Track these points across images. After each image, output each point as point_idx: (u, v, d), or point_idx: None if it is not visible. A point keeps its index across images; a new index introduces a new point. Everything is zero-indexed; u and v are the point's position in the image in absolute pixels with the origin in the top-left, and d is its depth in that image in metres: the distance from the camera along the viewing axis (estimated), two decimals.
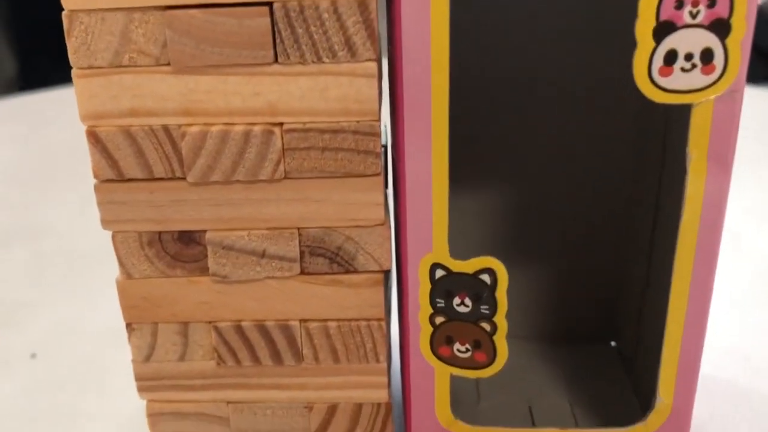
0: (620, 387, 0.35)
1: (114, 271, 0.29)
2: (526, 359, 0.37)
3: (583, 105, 0.34)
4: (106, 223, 0.28)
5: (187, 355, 0.30)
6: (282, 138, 0.26)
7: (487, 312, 0.28)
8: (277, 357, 0.30)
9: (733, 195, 0.29)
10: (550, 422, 0.32)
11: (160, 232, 0.28)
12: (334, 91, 0.26)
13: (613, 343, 0.39)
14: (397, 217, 0.28)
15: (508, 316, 0.28)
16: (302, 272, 0.28)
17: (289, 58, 0.25)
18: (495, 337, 0.28)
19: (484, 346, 0.28)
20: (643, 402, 0.33)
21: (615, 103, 0.34)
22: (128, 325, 0.29)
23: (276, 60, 0.25)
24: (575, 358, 0.38)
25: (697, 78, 0.25)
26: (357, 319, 0.29)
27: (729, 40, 0.24)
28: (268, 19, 0.25)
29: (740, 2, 0.23)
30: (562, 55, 0.33)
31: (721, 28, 0.24)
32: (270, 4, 0.25)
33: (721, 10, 0.24)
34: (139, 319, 0.29)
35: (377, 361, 0.30)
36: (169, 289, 0.29)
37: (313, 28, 0.25)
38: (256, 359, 0.30)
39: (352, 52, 0.25)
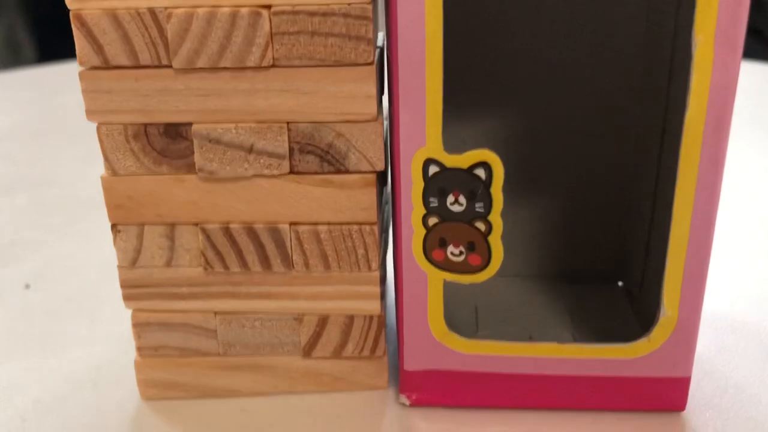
0: (625, 320, 0.34)
1: None
2: (528, 296, 0.36)
3: (588, 28, 0.33)
4: (91, 113, 0.27)
5: (174, 259, 0.29)
6: (270, 21, 0.25)
7: (481, 210, 0.26)
8: (266, 262, 0.29)
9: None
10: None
11: (146, 125, 0.27)
12: None
13: (620, 283, 0.37)
14: (390, 113, 0.27)
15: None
16: (291, 171, 0.27)
17: None
18: (490, 238, 0.27)
19: (479, 247, 0.27)
20: (647, 328, 0.31)
21: (622, 23, 0.32)
22: (113, 227, 0.29)
23: None
24: (580, 295, 0.37)
25: None
26: (349, 223, 0.28)
27: None
28: None
29: None
30: None
31: None
32: None
33: None
34: (124, 219, 0.28)
35: (369, 268, 0.29)
36: (155, 186, 0.28)
37: None
38: (244, 264, 0.29)
39: None
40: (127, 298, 0.30)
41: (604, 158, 0.35)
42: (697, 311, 0.28)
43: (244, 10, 0.25)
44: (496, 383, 0.29)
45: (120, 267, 0.29)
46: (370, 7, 0.25)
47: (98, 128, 0.27)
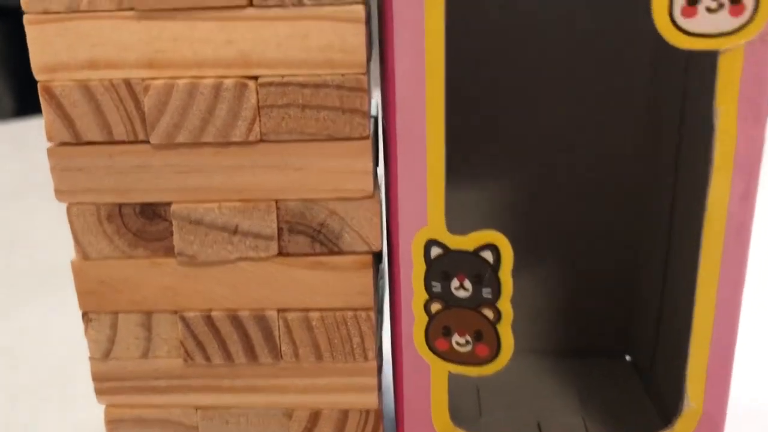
0: (638, 401, 0.31)
1: None
2: (532, 373, 0.34)
3: (591, 90, 0.31)
4: (60, 193, 0.25)
5: (151, 351, 0.26)
6: (257, 93, 0.23)
7: (489, 296, 0.24)
8: (251, 353, 0.26)
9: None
10: None
11: (120, 205, 0.25)
12: (316, 38, 0.23)
13: (627, 357, 0.35)
14: (387, 189, 0.25)
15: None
16: (280, 253, 0.25)
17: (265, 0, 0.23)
18: (499, 326, 0.24)
19: (487, 336, 0.25)
20: (665, 414, 0.29)
21: (624, 86, 0.31)
22: (84, 315, 0.26)
23: (251, 3, 0.23)
24: (586, 372, 0.34)
25: (725, 20, 0.22)
26: (343, 309, 0.26)
27: None
28: None
29: None
30: (565, 36, 0.30)
31: None
32: None
33: None
34: (96, 307, 0.26)
35: (365, 358, 0.26)
36: (130, 271, 0.25)
37: None
38: (228, 356, 0.26)
39: None
40: (100, 392, 0.27)
41: (609, 226, 0.33)
42: (723, 402, 0.25)
43: (228, 82, 0.23)
44: None
45: (92, 359, 0.27)
46: (365, 78, 0.23)
47: (68, 209, 0.25)
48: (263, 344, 0.26)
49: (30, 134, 0.83)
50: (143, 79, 0.23)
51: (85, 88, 0.23)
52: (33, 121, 0.87)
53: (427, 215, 0.24)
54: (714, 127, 0.23)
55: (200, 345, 0.26)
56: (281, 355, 0.26)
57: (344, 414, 0.27)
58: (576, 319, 0.34)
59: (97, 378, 0.27)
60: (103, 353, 0.26)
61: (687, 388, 0.25)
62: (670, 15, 0.22)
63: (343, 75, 0.23)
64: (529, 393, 0.32)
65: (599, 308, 0.34)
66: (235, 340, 0.26)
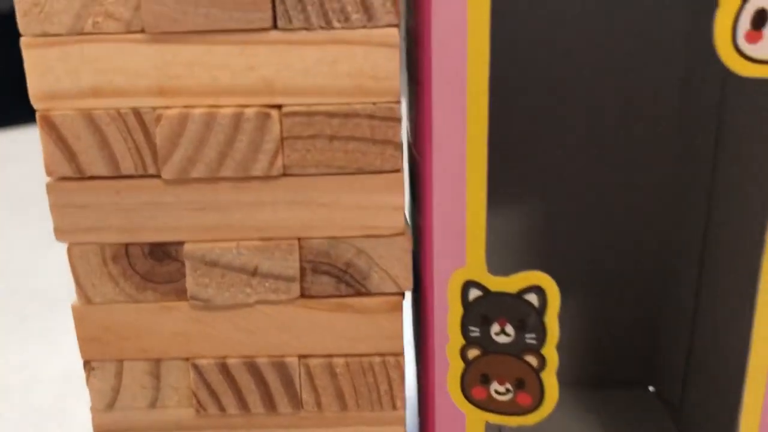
0: None
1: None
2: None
3: (621, 120, 0.30)
4: (60, 232, 0.22)
5: (159, 400, 0.24)
6: (281, 123, 0.21)
7: (533, 342, 0.22)
8: (270, 402, 0.24)
9: None
10: None
11: (127, 245, 0.23)
12: (346, 64, 0.21)
13: (651, 388, 0.33)
14: (417, 225, 0.23)
15: None
16: (302, 295, 0.23)
17: (291, 21, 0.20)
18: (543, 374, 0.23)
19: (529, 385, 0.23)
20: None
21: (654, 118, 0.29)
22: (86, 364, 0.24)
23: (275, 25, 0.21)
24: (609, 404, 0.33)
25: None
26: (369, 354, 0.24)
27: None
28: None
29: None
30: (595, 63, 0.29)
31: None
32: None
33: None
34: (100, 355, 0.24)
35: (394, 407, 0.24)
36: (137, 317, 0.23)
37: None
38: (244, 406, 0.24)
39: (368, 15, 0.20)
40: None
41: (634, 255, 0.31)
42: None
43: (249, 111, 0.21)
44: None
45: (94, 410, 0.24)
46: (398, 106, 0.21)
47: (70, 249, 0.22)
48: (283, 393, 0.24)
49: (6, 147, 0.79)
50: (154, 108, 0.21)
51: (89, 117, 0.21)
52: (10, 132, 0.84)
53: (465, 254, 0.22)
54: None
55: (214, 394, 0.24)
56: (302, 405, 0.24)
57: None
58: (597, 350, 0.33)
59: (99, 430, 0.25)
60: (106, 404, 0.24)
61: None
62: (734, 42, 0.20)
63: (374, 104, 0.21)
64: (552, 428, 0.31)
65: (621, 338, 0.33)
66: (252, 389, 0.24)
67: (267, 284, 0.23)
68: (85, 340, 0.23)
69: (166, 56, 0.21)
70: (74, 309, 0.23)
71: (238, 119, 0.21)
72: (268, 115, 0.21)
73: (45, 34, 0.21)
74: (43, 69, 0.21)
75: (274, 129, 0.21)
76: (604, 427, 0.31)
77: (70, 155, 0.22)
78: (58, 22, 0.21)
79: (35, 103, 0.21)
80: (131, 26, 0.21)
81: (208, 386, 0.24)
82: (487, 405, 0.23)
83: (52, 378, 0.37)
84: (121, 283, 0.23)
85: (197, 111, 0.21)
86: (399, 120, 0.21)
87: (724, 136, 0.26)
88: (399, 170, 0.22)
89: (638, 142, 0.30)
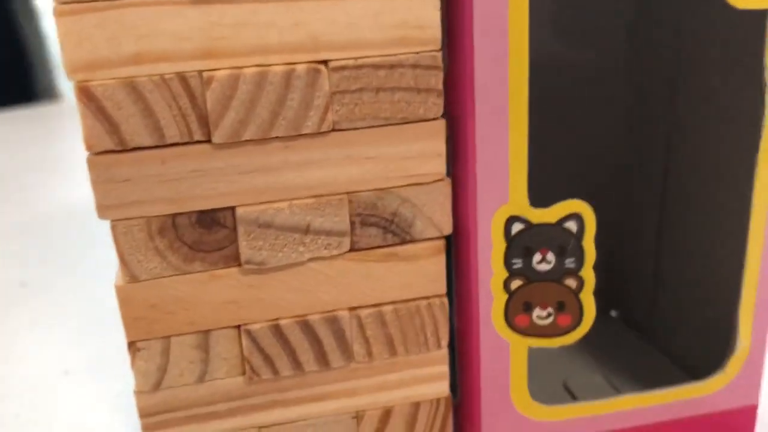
0: (645, 354, 0.33)
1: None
2: None
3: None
4: (104, 209, 0.21)
5: (208, 373, 0.24)
6: (329, 78, 0.21)
7: (573, 266, 0.24)
8: (323, 359, 0.24)
9: None
10: (592, 396, 0.29)
11: (174, 216, 0.22)
12: (390, 15, 0.21)
13: (613, 313, 0.37)
14: (456, 169, 0.24)
15: None
16: (352, 248, 0.24)
17: None
18: (582, 294, 0.24)
19: (569, 306, 0.25)
20: (680, 361, 0.31)
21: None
22: (131, 345, 0.23)
23: None
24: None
25: None
26: (416, 299, 0.25)
27: None
28: None
29: None
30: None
31: None
32: None
33: None
34: (146, 334, 0.23)
35: (439, 346, 0.25)
36: (185, 289, 0.23)
37: None
38: (297, 366, 0.24)
39: None
40: (149, 429, 0.24)
41: (595, 179, 0.34)
42: (764, 338, 0.27)
43: (300, 68, 0.21)
44: None
45: (138, 393, 0.24)
46: (440, 54, 0.22)
47: (114, 227, 0.22)
48: (335, 347, 0.24)
49: None
50: (200, 71, 0.21)
51: (131, 86, 0.20)
52: None
53: (508, 192, 0.23)
54: (765, 83, 0.24)
55: (267, 358, 0.24)
56: (353, 357, 0.25)
57: (415, 407, 0.26)
58: None
59: (145, 413, 0.24)
60: (152, 385, 0.23)
61: (740, 329, 0.27)
62: None
63: (417, 53, 0.22)
64: (545, 355, 0.33)
65: None
66: (306, 347, 0.24)
67: (319, 241, 0.23)
68: (130, 321, 0.23)
69: (211, 17, 0.20)
70: (119, 289, 0.22)
71: (289, 77, 0.21)
72: (318, 71, 0.21)
73: (80, 1, 0.20)
74: (79, 38, 0.20)
75: (324, 84, 0.21)
76: (579, 351, 0.34)
77: (112, 127, 0.21)
78: None
79: (71, 74, 0.20)
80: None
81: (261, 351, 0.24)
82: (530, 331, 0.25)
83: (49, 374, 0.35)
84: (169, 256, 0.22)
85: (248, 71, 0.21)
86: (441, 68, 0.22)
87: (683, 63, 0.29)
88: (441, 117, 0.23)
89: (596, 83, 0.32)
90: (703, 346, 0.29)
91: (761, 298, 0.27)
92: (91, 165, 0.21)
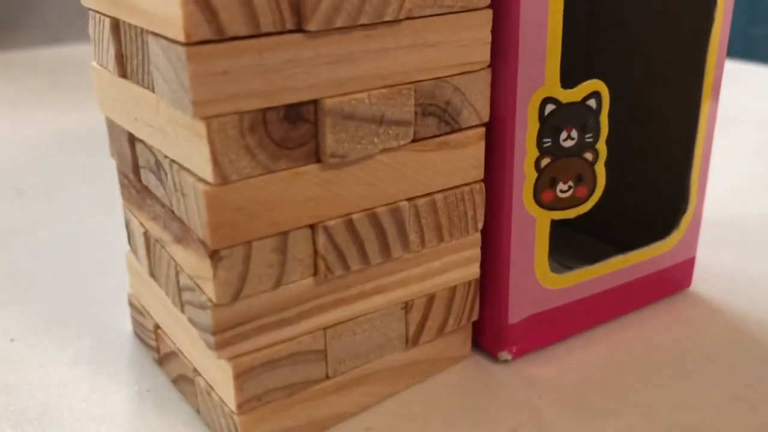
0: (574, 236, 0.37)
1: None
2: None
3: None
4: (200, 105, 0.20)
5: (285, 276, 0.23)
6: None
7: (591, 140, 0.27)
8: (386, 250, 0.25)
9: None
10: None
11: (265, 110, 0.21)
12: None
13: None
14: (495, 58, 0.26)
15: None
16: (414, 139, 0.24)
17: None
18: (596, 166, 0.28)
19: (586, 178, 0.28)
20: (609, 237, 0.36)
21: None
22: (214, 255, 0.22)
23: None
24: None
25: None
26: (460, 186, 0.26)
27: None
28: None
29: None
30: None
31: None
32: None
33: None
34: (230, 240, 0.22)
35: (476, 229, 0.27)
36: (271, 188, 0.22)
37: None
38: (365, 260, 0.25)
39: None
40: (223, 345, 0.23)
41: None
42: (703, 199, 0.33)
43: None
44: (578, 310, 0.31)
45: (215, 307, 0.23)
46: None
47: (209, 124, 0.20)
48: (396, 237, 0.25)
49: None
50: None
51: None
52: None
53: (545, 75, 0.26)
54: None
55: (341, 254, 0.24)
56: (409, 246, 0.26)
57: (452, 291, 0.28)
58: None
59: (220, 329, 0.23)
60: (232, 295, 0.23)
61: (691, 192, 0.32)
62: None
63: None
64: None
65: None
66: (372, 239, 0.25)
67: (390, 131, 0.24)
68: (216, 227, 0.22)
69: None
70: (207, 194, 0.21)
71: None
72: None
73: None
74: None
75: None
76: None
77: (211, 14, 0.19)
78: None
79: None
80: None
81: (335, 247, 0.24)
82: (553, 204, 0.28)
83: None
84: (258, 154, 0.21)
85: None
86: None
87: None
88: (489, 6, 0.24)
89: None
90: (646, 217, 0.34)
91: (703, 168, 0.32)
92: (191, 56, 0.19)
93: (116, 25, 0.24)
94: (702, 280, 0.35)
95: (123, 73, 0.25)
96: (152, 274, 0.28)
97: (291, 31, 0.21)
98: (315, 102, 0.22)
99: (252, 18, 0.20)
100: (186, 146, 0.22)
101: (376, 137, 0.23)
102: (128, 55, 0.24)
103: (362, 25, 0.22)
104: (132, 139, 0.26)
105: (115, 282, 0.36)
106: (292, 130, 0.22)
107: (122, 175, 0.29)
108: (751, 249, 0.39)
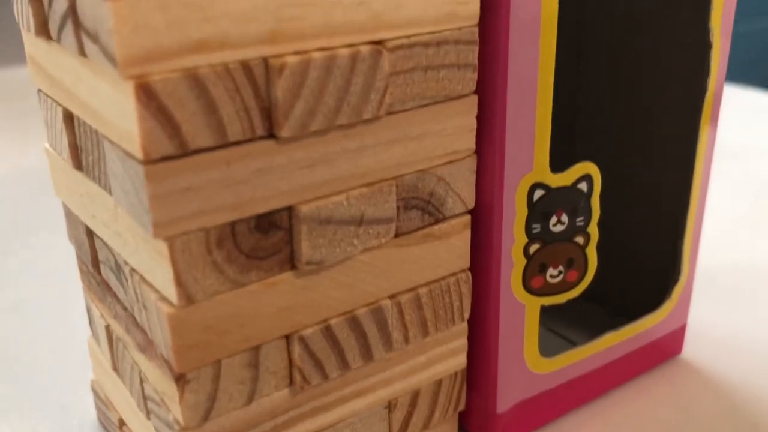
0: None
1: None
2: None
3: None
4: (160, 227, 0.18)
5: (257, 391, 0.22)
6: (387, 59, 0.20)
7: (582, 223, 0.26)
8: (367, 353, 0.23)
9: None
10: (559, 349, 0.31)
11: (233, 224, 0.19)
12: None
13: None
14: (482, 143, 0.24)
15: None
16: (396, 234, 0.23)
17: None
18: (587, 249, 0.26)
19: (577, 262, 0.26)
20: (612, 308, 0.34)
21: None
22: (180, 379, 0.20)
23: None
24: None
25: None
26: (446, 277, 0.25)
27: None
28: None
29: None
30: None
31: None
32: None
33: None
34: (198, 362, 0.20)
35: (463, 319, 0.26)
36: (240, 303, 0.20)
37: None
38: (345, 365, 0.23)
39: None
40: None
41: None
42: (695, 267, 0.32)
43: (364, 50, 0.20)
44: (569, 390, 0.29)
45: (185, 429, 0.21)
46: (476, 29, 0.22)
47: (171, 244, 0.18)
48: (378, 338, 0.23)
49: None
50: (265, 58, 0.18)
51: (194, 78, 0.17)
52: None
53: (533, 160, 0.24)
54: (711, 44, 0.27)
55: (318, 363, 0.22)
56: (392, 345, 0.24)
57: (437, 384, 0.26)
58: None
59: None
60: (201, 417, 0.21)
61: (683, 261, 0.31)
62: None
63: (460, 29, 0.22)
64: None
65: None
66: (353, 344, 0.23)
67: (371, 231, 0.22)
68: (182, 350, 0.20)
69: None
70: (171, 316, 0.19)
71: (354, 60, 0.20)
72: (380, 52, 0.20)
73: None
74: (135, 24, 0.16)
75: (385, 66, 0.20)
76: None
77: (173, 128, 0.17)
78: None
79: (126, 68, 0.17)
80: None
81: (312, 356, 0.22)
82: (543, 290, 0.26)
83: None
84: (226, 269, 0.20)
85: (318, 55, 0.19)
86: (477, 43, 0.22)
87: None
88: (474, 92, 0.23)
89: None
90: (640, 286, 0.33)
91: (695, 235, 0.31)
92: (150, 176, 0.18)
93: (70, 116, 0.22)
94: (691, 344, 0.34)
95: (78, 166, 0.23)
96: (115, 369, 0.26)
97: (262, 138, 0.19)
98: (289, 208, 0.20)
99: (218, 128, 0.18)
100: (147, 261, 0.20)
101: (356, 239, 0.22)
102: (84, 148, 0.22)
103: (339, 126, 0.20)
104: (90, 233, 0.24)
105: (79, 359, 0.33)
106: (264, 240, 0.20)
107: (81, 262, 0.27)
108: (735, 292, 0.38)
